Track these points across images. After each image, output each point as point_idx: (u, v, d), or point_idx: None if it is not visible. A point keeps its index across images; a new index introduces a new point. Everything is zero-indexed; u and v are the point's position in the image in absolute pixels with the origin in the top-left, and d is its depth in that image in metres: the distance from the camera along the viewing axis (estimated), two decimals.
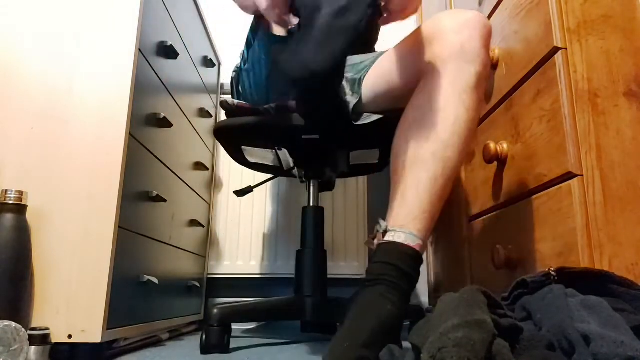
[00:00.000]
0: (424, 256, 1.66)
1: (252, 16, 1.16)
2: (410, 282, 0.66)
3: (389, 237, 0.68)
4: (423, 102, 0.74)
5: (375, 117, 0.98)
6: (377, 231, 0.71)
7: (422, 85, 0.76)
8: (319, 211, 1.26)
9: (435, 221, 0.71)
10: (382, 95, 0.94)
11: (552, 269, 0.58)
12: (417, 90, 0.76)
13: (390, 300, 0.63)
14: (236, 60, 1.30)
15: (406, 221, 0.68)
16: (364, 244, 0.76)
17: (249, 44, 1.16)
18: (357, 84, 0.99)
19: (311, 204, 1.26)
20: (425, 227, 0.69)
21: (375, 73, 0.95)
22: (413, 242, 0.67)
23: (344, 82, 1.02)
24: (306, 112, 0.98)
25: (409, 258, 0.66)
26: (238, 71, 1.22)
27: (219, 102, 1.81)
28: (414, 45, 0.83)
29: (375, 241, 0.70)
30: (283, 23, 0.79)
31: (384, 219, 0.72)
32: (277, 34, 1.08)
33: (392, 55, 0.90)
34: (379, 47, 1.25)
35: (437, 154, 0.70)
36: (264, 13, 0.77)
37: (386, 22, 0.79)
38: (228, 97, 1.14)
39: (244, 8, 1.09)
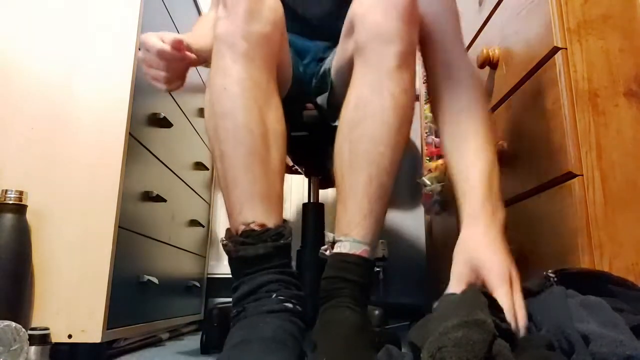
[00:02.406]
0: (424, 256, 1.66)
1: None
2: (362, 289, 0.65)
3: (336, 249, 0.67)
4: (350, 97, 0.70)
5: None
6: (328, 242, 0.70)
7: (352, 76, 0.72)
8: (319, 207, 1.25)
9: (381, 221, 0.68)
10: (340, 88, 0.90)
11: (550, 272, 0.57)
12: (350, 83, 0.72)
13: (347, 307, 0.62)
14: None
15: (349, 229, 0.67)
16: (319, 255, 0.74)
17: None
18: (327, 74, 0.96)
19: (311, 201, 1.26)
20: (369, 232, 0.66)
21: (333, 65, 0.92)
22: (358, 249, 0.65)
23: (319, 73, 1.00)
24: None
25: (356, 267, 0.65)
26: None
27: None
28: (345, 32, 0.80)
29: (327, 252, 0.70)
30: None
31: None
32: None
33: (339, 43, 0.87)
34: None
35: (369, 151, 0.67)
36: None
37: None
38: None
39: None
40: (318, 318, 0.65)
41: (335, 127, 0.81)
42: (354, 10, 0.73)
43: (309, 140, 1.15)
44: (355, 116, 0.68)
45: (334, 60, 0.92)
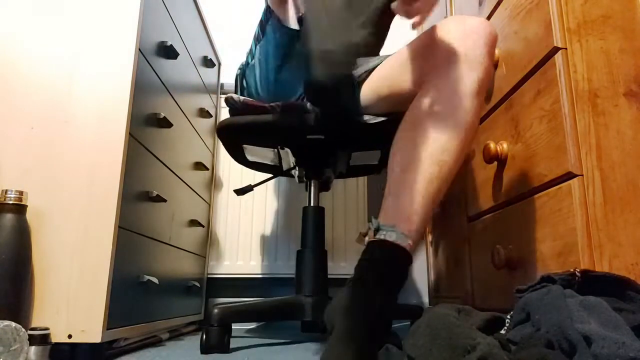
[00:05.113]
0: (424, 256, 1.66)
1: (255, 14, 1.16)
2: (398, 280, 0.66)
3: (380, 236, 0.68)
4: (424, 106, 0.74)
5: (380, 118, 0.98)
6: (369, 229, 0.71)
7: (425, 89, 0.76)
8: (319, 211, 1.26)
9: (427, 223, 0.72)
10: (384, 98, 0.94)
11: (578, 270, 0.57)
12: (419, 94, 0.76)
13: (379, 298, 0.63)
14: (236, 60, 1.30)
15: (398, 221, 0.69)
16: (355, 240, 0.76)
17: (257, 39, 1.16)
18: (355, 85, 1.00)
19: (311, 204, 1.26)
20: (417, 229, 0.69)
21: (379, 75, 0.95)
22: (403, 242, 0.67)
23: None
24: (320, 112, 0.99)
25: (398, 257, 0.67)
26: (243, 68, 1.23)
27: (219, 101, 1.81)
28: (418, 50, 0.83)
29: (366, 238, 0.71)
30: None
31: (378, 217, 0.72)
32: (289, 26, 1.08)
33: (397, 58, 0.90)
34: (384, 50, 1.25)
35: (434, 157, 0.70)
36: None
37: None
38: (234, 94, 1.14)
39: None
40: (348, 292, 0.66)
41: (355, 132, 0.80)
42: (441, 33, 0.78)
43: (323, 144, 1.15)
44: (427, 121, 0.72)
45: (376, 72, 0.96)
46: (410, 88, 0.82)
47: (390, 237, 0.67)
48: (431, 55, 0.77)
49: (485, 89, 0.76)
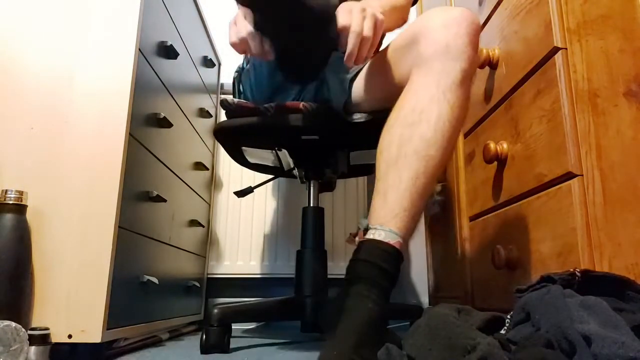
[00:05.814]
0: (424, 256, 1.66)
1: None
2: (389, 279, 0.66)
3: (369, 235, 0.68)
4: (407, 101, 0.74)
5: (370, 116, 0.98)
6: (359, 229, 0.71)
7: (409, 83, 0.76)
8: (319, 211, 1.26)
9: (417, 220, 0.71)
10: (374, 95, 0.94)
11: (578, 270, 0.57)
12: (404, 89, 0.76)
13: (370, 299, 0.63)
14: (236, 60, 1.30)
15: (387, 219, 0.68)
16: (345, 241, 0.76)
17: None
18: (347, 82, 1.00)
19: (311, 204, 1.26)
20: (406, 226, 0.69)
21: (368, 72, 0.95)
22: (393, 239, 0.67)
23: (335, 80, 1.02)
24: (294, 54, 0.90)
25: (389, 255, 0.67)
26: (240, 71, 1.23)
27: (219, 102, 1.81)
28: (403, 44, 0.83)
29: (357, 239, 0.71)
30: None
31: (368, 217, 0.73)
32: None
33: (383, 55, 0.91)
34: None
35: (419, 152, 0.70)
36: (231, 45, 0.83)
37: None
38: (228, 97, 1.14)
39: None
40: (340, 295, 0.66)
41: (349, 131, 0.80)
42: (423, 25, 0.77)
43: (317, 144, 1.15)
44: (410, 117, 0.72)
45: (365, 69, 0.97)
46: (397, 83, 0.82)
47: (380, 235, 0.67)
48: (414, 48, 0.77)
49: (470, 79, 0.75)
